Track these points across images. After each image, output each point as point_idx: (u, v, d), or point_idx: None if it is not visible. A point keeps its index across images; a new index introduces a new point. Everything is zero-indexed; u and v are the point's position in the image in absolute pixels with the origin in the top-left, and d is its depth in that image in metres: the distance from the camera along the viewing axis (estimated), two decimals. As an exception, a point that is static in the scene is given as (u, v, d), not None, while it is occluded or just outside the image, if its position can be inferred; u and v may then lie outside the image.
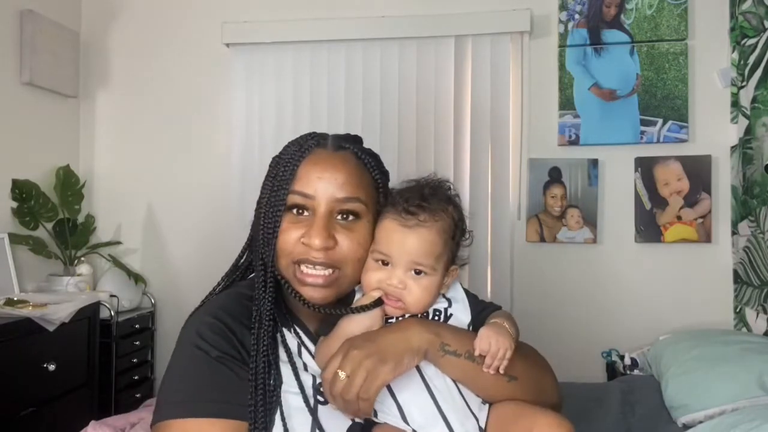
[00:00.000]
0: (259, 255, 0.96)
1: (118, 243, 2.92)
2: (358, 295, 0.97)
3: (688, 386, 1.92)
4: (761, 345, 2.03)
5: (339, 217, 0.93)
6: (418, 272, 0.92)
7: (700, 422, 1.73)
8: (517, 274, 2.71)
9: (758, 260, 2.33)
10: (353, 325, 0.90)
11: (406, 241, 0.92)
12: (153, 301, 2.88)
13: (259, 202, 0.98)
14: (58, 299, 2.30)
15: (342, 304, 0.96)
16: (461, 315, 0.97)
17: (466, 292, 1.02)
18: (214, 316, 0.93)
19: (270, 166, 0.98)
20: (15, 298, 2.20)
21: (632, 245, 2.65)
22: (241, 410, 0.86)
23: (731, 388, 1.81)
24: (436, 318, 0.96)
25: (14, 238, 2.46)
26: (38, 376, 2.12)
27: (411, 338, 0.88)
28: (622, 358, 2.48)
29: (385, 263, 0.93)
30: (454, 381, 0.91)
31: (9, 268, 2.41)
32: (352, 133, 1.05)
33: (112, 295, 2.61)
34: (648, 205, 2.63)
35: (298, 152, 0.95)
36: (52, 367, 2.13)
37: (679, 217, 2.60)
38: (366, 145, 1.04)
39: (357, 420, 0.90)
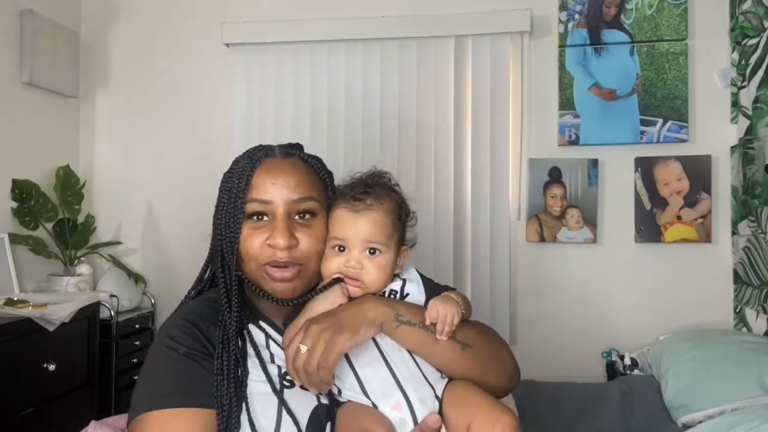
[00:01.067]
0: (218, 262, 1.02)
1: (118, 243, 2.92)
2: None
3: (688, 386, 1.92)
4: (761, 345, 2.03)
5: (297, 217, 1.00)
6: (372, 252, 1.00)
7: (700, 422, 1.73)
8: (517, 274, 2.71)
9: (758, 260, 2.33)
10: (318, 306, 0.97)
11: (358, 223, 1.00)
12: (153, 301, 2.88)
13: (216, 216, 1.04)
14: (58, 299, 2.29)
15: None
16: (416, 294, 1.04)
17: (422, 276, 1.08)
18: (183, 317, 1.00)
19: (222, 181, 1.05)
20: (15, 298, 2.20)
21: (632, 245, 2.65)
22: (208, 399, 0.91)
23: (731, 388, 1.81)
24: (393, 296, 1.03)
25: (14, 238, 2.46)
26: (38, 376, 2.11)
27: (366, 311, 0.95)
28: (622, 358, 2.48)
29: (341, 249, 1.01)
30: (411, 354, 0.97)
31: (9, 268, 2.41)
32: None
33: (112, 295, 2.61)
34: (648, 205, 2.63)
35: (249, 164, 1.01)
36: (52, 367, 2.13)
37: (679, 217, 2.60)
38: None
39: (323, 401, 0.97)
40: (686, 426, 1.82)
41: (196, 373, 0.93)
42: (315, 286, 1.03)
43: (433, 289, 1.05)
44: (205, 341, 0.96)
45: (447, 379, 0.97)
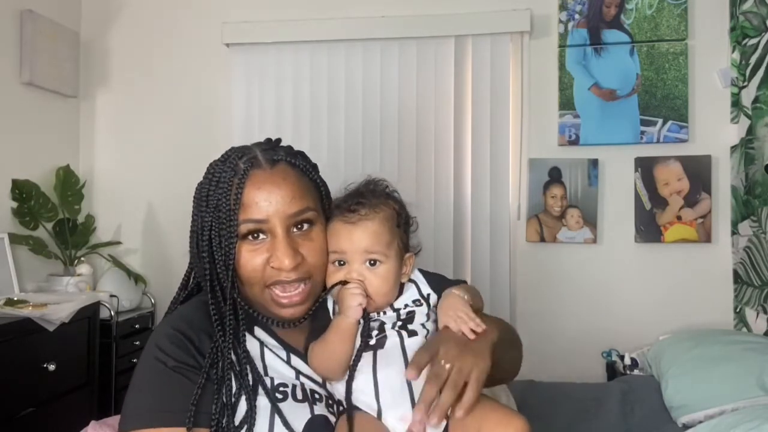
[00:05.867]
0: (214, 286, 0.96)
1: (118, 243, 2.92)
2: (329, 303, 1.01)
3: (688, 386, 1.92)
4: (761, 345, 2.03)
5: (295, 230, 0.95)
6: (373, 263, 0.98)
7: (700, 422, 1.73)
8: (517, 274, 2.71)
9: (760, 260, 2.33)
10: (345, 320, 0.95)
11: (354, 235, 0.98)
12: (153, 301, 2.88)
13: (199, 232, 0.96)
14: (58, 299, 2.29)
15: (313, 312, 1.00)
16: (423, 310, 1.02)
17: (427, 273, 1.07)
18: (173, 326, 0.94)
19: (201, 194, 0.97)
20: (15, 298, 2.20)
21: (632, 245, 2.64)
22: (197, 417, 0.87)
23: (731, 388, 1.81)
24: (418, 304, 1.01)
25: (14, 238, 2.46)
26: (38, 376, 2.11)
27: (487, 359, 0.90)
28: (622, 358, 2.48)
29: (341, 263, 0.99)
30: None
31: (9, 268, 2.41)
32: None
33: (112, 295, 2.61)
34: (648, 205, 2.62)
35: (233, 178, 0.94)
36: (52, 367, 2.13)
37: (679, 217, 2.60)
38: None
39: (317, 413, 0.93)
40: (686, 426, 1.82)
41: (186, 389, 0.88)
42: (319, 299, 0.99)
43: (439, 288, 1.04)
44: (195, 353, 0.92)
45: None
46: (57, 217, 2.67)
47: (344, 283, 0.96)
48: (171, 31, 2.96)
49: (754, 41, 2.40)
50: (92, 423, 1.13)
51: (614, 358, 2.53)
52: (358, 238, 0.97)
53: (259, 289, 0.95)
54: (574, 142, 2.67)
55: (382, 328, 0.97)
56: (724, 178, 2.60)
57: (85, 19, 3.00)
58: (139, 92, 2.98)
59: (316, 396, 0.95)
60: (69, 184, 2.75)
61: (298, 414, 0.91)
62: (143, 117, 2.97)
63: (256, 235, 0.94)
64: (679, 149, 2.61)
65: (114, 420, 1.15)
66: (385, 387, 0.93)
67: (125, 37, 3.00)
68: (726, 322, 2.56)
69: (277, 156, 0.98)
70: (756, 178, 2.35)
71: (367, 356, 0.95)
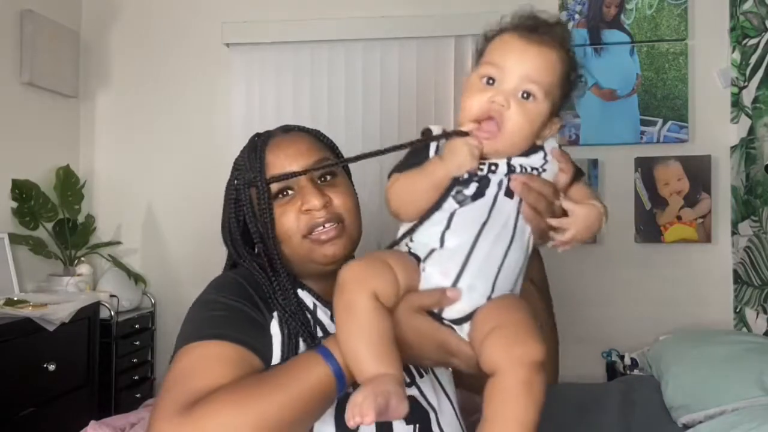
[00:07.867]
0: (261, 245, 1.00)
1: (118, 243, 2.92)
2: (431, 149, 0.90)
3: (688, 386, 1.92)
4: (761, 345, 2.03)
5: (318, 181, 1.00)
6: (526, 96, 0.82)
7: (700, 422, 1.73)
8: (517, 274, 2.70)
9: (760, 260, 2.33)
10: (444, 170, 0.83)
11: (527, 53, 0.82)
12: (153, 301, 2.88)
13: (234, 213, 1.03)
14: (58, 299, 2.30)
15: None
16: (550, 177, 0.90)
17: None
18: (229, 276, 0.99)
19: (229, 183, 1.05)
20: (15, 298, 2.20)
21: (632, 245, 2.64)
22: (260, 349, 0.88)
23: (731, 388, 1.81)
24: (535, 171, 0.89)
25: (14, 238, 2.46)
26: (38, 376, 2.11)
27: None
28: (622, 358, 2.48)
29: (490, 82, 0.83)
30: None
31: (9, 268, 2.41)
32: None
33: (112, 295, 2.61)
34: (648, 205, 2.62)
35: (254, 152, 1.02)
36: (52, 367, 2.13)
37: (679, 217, 2.60)
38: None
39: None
40: (686, 426, 1.82)
41: (247, 318, 0.90)
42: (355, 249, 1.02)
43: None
44: (257, 299, 0.94)
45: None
46: (57, 217, 2.67)
47: (465, 134, 0.82)
48: (171, 31, 2.96)
49: (754, 41, 2.40)
50: (92, 423, 1.13)
51: (614, 358, 2.53)
52: (530, 59, 0.82)
53: (298, 241, 0.97)
54: (574, 142, 2.67)
55: (484, 181, 0.83)
56: (724, 178, 2.60)
57: (85, 19, 3.00)
58: (139, 92, 2.98)
59: None
60: (69, 184, 2.75)
61: None
62: (143, 117, 2.97)
63: (285, 192, 0.99)
64: (679, 149, 2.61)
65: (114, 420, 1.15)
66: (479, 258, 0.82)
67: (125, 37, 2.99)
68: (726, 322, 2.56)
69: (291, 126, 1.09)
70: (758, 178, 2.35)
71: (468, 210, 0.82)
